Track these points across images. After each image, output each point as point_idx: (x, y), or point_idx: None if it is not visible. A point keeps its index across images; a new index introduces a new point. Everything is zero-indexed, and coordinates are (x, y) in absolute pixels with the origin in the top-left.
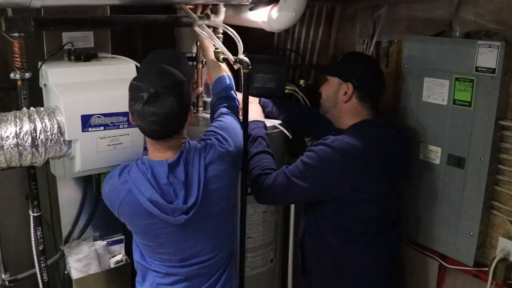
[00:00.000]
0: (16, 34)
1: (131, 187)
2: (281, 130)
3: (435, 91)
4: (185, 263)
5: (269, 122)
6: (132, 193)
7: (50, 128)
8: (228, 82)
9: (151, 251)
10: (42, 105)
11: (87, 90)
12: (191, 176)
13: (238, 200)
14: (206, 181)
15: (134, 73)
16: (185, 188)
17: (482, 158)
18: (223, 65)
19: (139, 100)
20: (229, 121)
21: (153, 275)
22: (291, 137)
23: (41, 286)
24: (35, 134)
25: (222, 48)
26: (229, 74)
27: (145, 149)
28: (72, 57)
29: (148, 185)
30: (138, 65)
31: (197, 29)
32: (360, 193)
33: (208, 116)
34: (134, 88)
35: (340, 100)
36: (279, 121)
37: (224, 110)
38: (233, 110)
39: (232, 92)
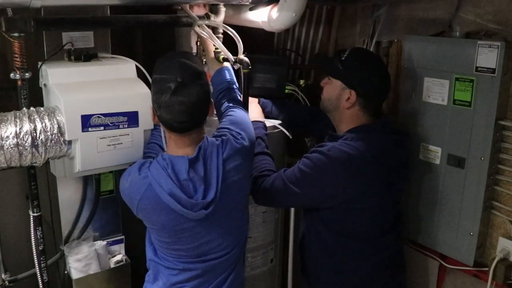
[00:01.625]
0: (16, 34)
1: (152, 182)
2: (281, 130)
3: (435, 91)
4: (202, 258)
5: (269, 122)
6: (153, 188)
7: (50, 128)
8: (226, 73)
9: (167, 247)
10: (42, 105)
11: (87, 90)
12: (210, 172)
13: None
14: (224, 176)
15: (134, 73)
16: (204, 183)
17: (482, 158)
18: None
19: (166, 91)
20: (239, 114)
21: (166, 274)
22: (291, 137)
23: (41, 286)
24: (35, 134)
25: (222, 48)
26: (229, 67)
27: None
28: (72, 57)
29: (169, 180)
30: (138, 65)
31: (197, 29)
32: (357, 201)
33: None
34: (158, 81)
35: (342, 106)
36: (279, 121)
37: (229, 103)
38: (238, 101)
39: (232, 83)
